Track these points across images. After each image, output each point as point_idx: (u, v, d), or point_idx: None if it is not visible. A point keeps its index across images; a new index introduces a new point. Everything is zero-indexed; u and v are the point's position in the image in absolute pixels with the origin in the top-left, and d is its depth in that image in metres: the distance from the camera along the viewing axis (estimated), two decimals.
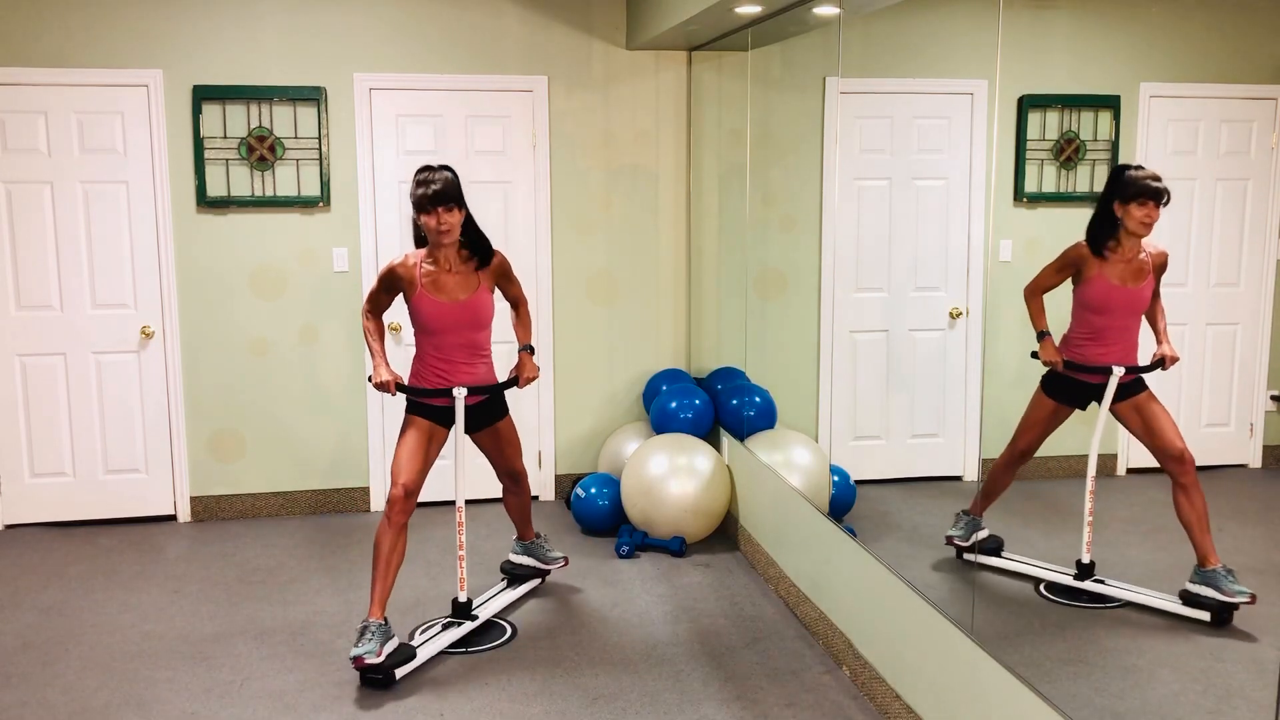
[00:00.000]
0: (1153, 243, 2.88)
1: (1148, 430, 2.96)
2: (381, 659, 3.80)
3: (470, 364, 4.09)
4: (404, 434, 4.06)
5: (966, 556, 3.37)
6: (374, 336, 4.13)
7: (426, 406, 4.09)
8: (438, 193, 3.85)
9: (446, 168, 3.95)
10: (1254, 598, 2.60)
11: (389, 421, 5.78)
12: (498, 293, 4.21)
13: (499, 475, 4.41)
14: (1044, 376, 3.22)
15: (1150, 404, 2.95)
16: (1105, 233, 2.93)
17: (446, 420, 4.11)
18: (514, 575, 4.66)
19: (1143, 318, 2.93)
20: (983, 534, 3.33)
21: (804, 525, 4.35)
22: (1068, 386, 3.18)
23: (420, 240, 4.08)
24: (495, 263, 4.09)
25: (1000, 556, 3.27)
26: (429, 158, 5.52)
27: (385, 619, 3.91)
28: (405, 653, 3.91)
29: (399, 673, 3.87)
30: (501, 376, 5.42)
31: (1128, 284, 2.94)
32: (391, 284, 4.03)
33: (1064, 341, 3.15)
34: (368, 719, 3.65)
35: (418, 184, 3.90)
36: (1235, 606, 2.62)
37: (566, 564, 4.74)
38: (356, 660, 3.76)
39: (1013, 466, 3.32)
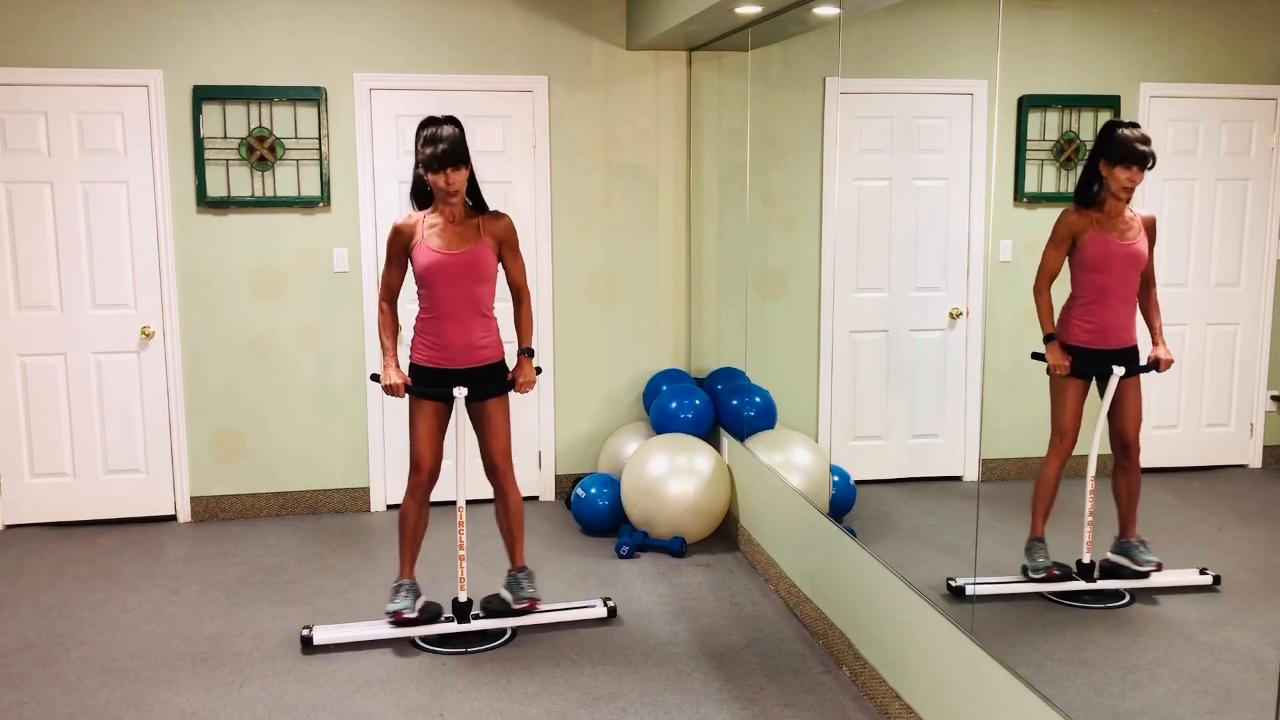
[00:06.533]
0: (1134, 208, 2.90)
1: (1114, 409, 3.00)
2: (416, 614, 4.22)
3: (467, 323, 4.08)
4: (415, 419, 4.16)
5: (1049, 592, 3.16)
6: (387, 332, 4.17)
7: (430, 388, 4.13)
8: (445, 153, 3.91)
9: (452, 120, 3.98)
10: (1160, 566, 2.79)
11: (389, 421, 5.78)
12: (501, 284, 4.19)
13: (485, 472, 4.30)
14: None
15: (1130, 389, 2.96)
16: (1092, 190, 2.95)
17: (448, 395, 4.12)
18: (489, 611, 4.31)
19: (1142, 315, 2.93)
20: (1042, 558, 3.19)
21: (804, 525, 4.35)
22: (1083, 363, 3.16)
23: (417, 192, 4.10)
24: (501, 225, 4.12)
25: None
26: None
27: (414, 579, 4.31)
28: (433, 609, 4.29)
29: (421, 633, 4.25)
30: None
31: (1124, 238, 2.94)
32: (399, 246, 4.08)
33: (1065, 319, 3.12)
34: (368, 718, 3.65)
35: (425, 141, 3.93)
36: (1145, 574, 2.81)
37: (534, 607, 4.29)
38: (396, 615, 4.17)
39: (1063, 465, 3.22)
